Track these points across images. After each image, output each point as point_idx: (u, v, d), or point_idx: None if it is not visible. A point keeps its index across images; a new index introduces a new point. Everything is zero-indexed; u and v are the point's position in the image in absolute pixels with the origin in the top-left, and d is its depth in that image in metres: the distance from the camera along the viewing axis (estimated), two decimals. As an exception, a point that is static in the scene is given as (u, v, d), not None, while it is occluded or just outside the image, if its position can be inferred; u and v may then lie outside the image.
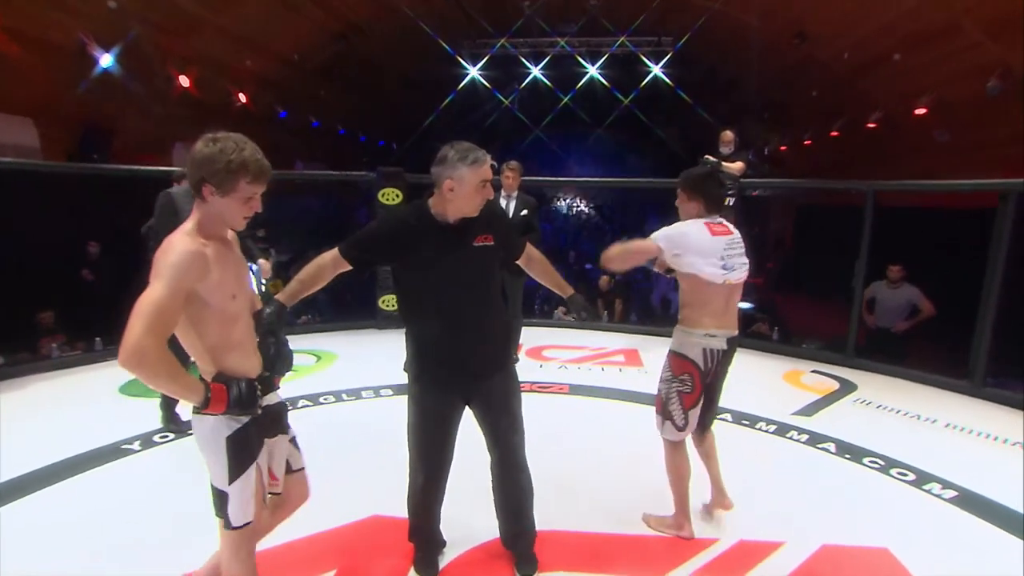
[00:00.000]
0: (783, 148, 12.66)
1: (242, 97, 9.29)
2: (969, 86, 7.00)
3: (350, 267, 1.89)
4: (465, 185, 1.77)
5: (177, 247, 1.40)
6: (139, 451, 3.01)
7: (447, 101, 13.77)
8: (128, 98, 7.39)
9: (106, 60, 6.69)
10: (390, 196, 5.73)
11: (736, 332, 2.29)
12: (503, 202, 4.33)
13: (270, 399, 1.61)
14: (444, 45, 12.02)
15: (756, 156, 5.93)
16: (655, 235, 2.23)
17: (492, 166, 1.85)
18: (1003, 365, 4.48)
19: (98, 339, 4.89)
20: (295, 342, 5.41)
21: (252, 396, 1.47)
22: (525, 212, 4.34)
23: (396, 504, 2.53)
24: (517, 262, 2.06)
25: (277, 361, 1.68)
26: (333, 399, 3.83)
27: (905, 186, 5.00)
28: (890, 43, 7.75)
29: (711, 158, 5.27)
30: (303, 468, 1.79)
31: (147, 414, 3.37)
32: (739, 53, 10.99)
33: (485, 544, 2.28)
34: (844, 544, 2.32)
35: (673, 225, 2.25)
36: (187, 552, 2.10)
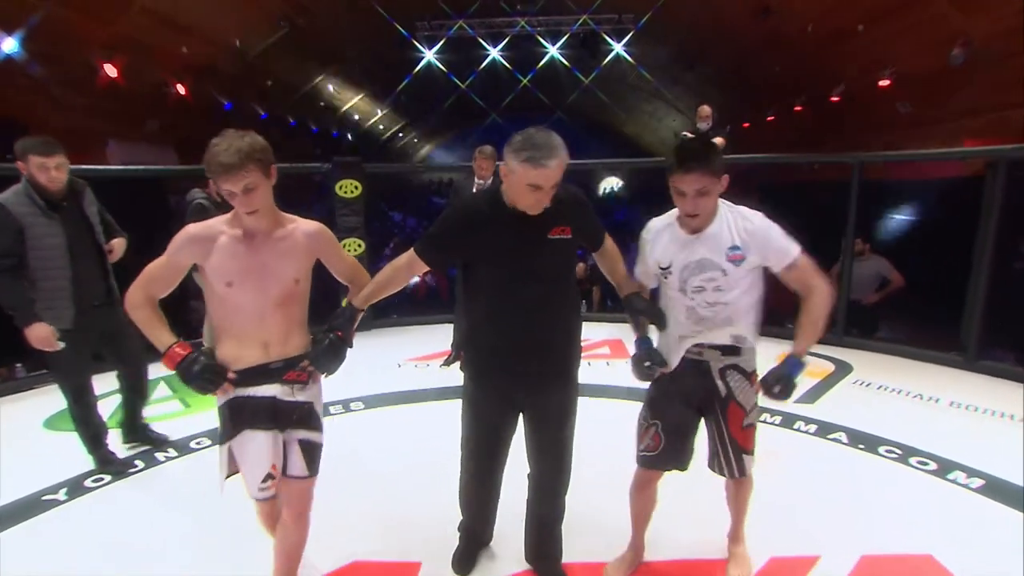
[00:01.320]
0: (745, 125, 12.65)
1: (180, 88, 8.54)
2: (931, 57, 6.99)
3: (427, 268, 1.80)
4: (515, 178, 1.59)
5: (186, 229, 1.62)
6: (65, 501, 2.55)
7: (402, 86, 13.21)
8: (39, 88, 6.62)
9: (9, 45, 5.93)
10: (348, 188, 5.28)
11: None
12: (479, 188, 4.01)
13: (268, 390, 1.63)
14: (399, 28, 11.45)
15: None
16: (794, 245, 1.72)
17: (548, 173, 1.56)
18: (989, 334, 4.44)
19: (19, 365, 4.29)
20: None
21: (199, 376, 1.56)
22: None
23: (377, 545, 2.20)
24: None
25: (321, 357, 1.66)
26: (298, 418, 3.41)
27: (891, 156, 4.88)
28: (854, 15, 7.68)
29: (689, 134, 5.04)
30: (301, 476, 1.71)
31: (76, 453, 2.89)
32: (702, 30, 10.83)
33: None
34: (884, 553, 2.10)
35: (772, 223, 1.72)
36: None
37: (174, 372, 1.57)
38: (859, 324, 4.96)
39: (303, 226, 1.69)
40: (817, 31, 8.57)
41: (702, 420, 1.87)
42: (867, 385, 3.84)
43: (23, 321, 2.50)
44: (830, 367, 4.18)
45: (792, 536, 2.20)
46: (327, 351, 1.65)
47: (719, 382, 1.77)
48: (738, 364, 1.78)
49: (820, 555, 2.08)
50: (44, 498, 2.55)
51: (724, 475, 1.88)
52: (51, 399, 3.68)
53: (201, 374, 1.56)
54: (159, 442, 3.09)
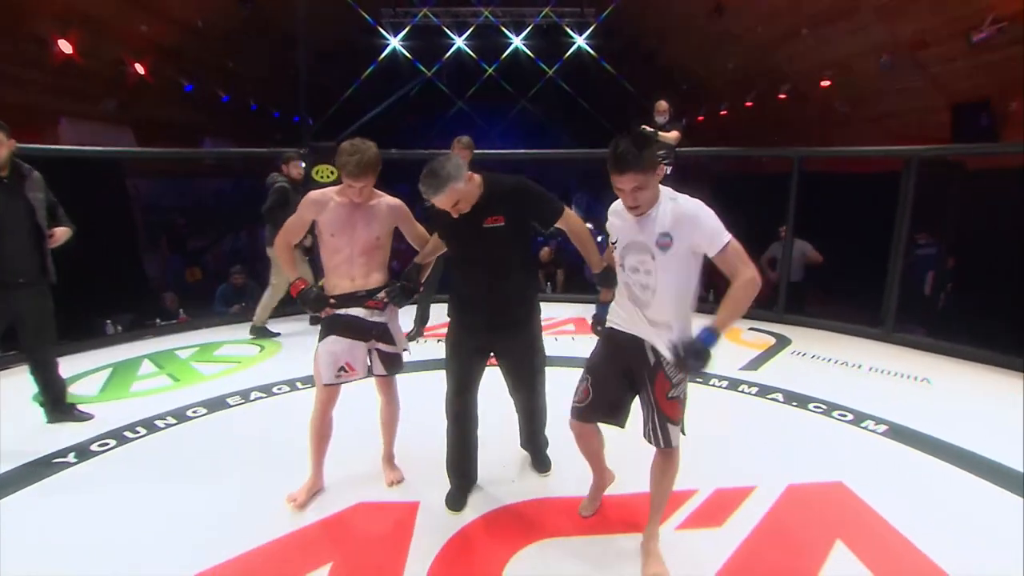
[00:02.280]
0: (700, 119, 13.24)
1: (139, 68, 8.34)
2: (866, 62, 7.63)
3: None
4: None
5: (309, 194, 2.32)
6: (75, 463, 2.71)
7: (367, 73, 13.13)
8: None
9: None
10: (324, 173, 5.43)
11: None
12: None
13: (357, 312, 2.30)
14: (363, 14, 11.40)
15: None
16: (724, 232, 1.79)
17: (441, 199, 2.02)
18: (905, 312, 5.06)
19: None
20: (233, 332, 5.06)
21: (314, 301, 2.28)
22: None
23: (378, 490, 2.49)
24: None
25: (398, 296, 2.32)
26: (288, 388, 3.63)
27: (826, 152, 5.40)
28: (799, 19, 8.24)
29: (647, 128, 5.41)
30: (384, 375, 2.43)
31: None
32: (660, 25, 11.29)
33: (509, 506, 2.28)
34: (806, 482, 2.54)
35: (706, 210, 1.81)
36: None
37: (295, 297, 2.28)
38: (791, 299, 5.48)
39: (388, 200, 2.33)
40: (766, 32, 9.14)
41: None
42: (803, 355, 4.36)
43: None
44: (772, 340, 4.68)
45: (734, 472, 2.62)
46: (400, 292, 2.32)
47: (650, 354, 1.91)
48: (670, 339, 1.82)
49: (756, 485, 2.50)
50: (54, 461, 2.71)
51: (652, 444, 1.98)
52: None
53: (314, 299, 2.26)
54: (84, 419, 3.11)
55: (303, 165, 5.00)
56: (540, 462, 2.64)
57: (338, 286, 2.30)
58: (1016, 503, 2.41)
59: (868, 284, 5.13)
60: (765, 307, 5.45)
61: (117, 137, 8.65)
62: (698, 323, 1.80)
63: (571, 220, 2.21)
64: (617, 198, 1.87)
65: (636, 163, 1.71)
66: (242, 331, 4.89)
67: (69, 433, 2.97)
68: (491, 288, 2.19)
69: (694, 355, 1.66)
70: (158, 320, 5.27)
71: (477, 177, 2.10)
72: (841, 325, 4.98)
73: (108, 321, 4.93)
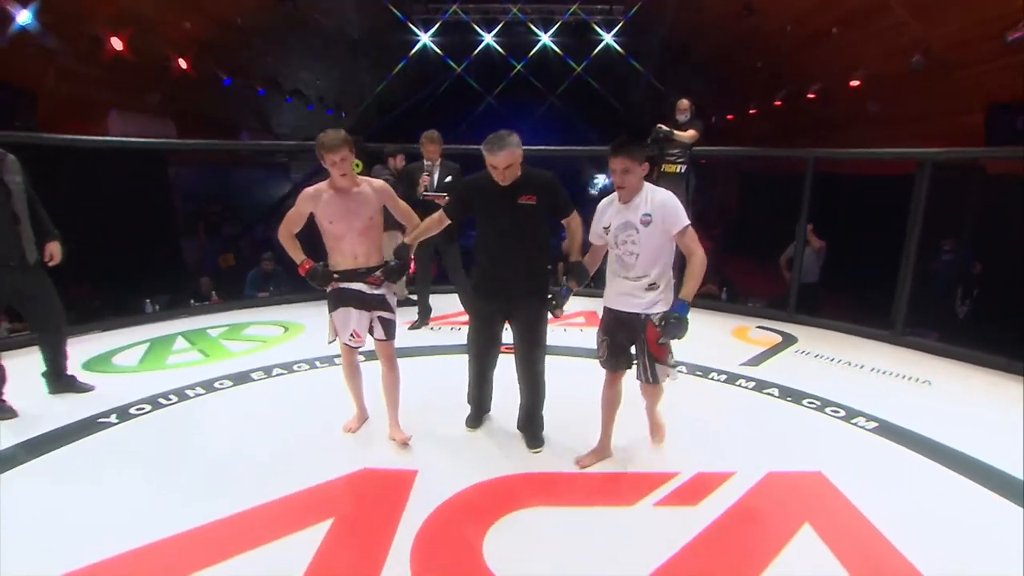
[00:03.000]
0: (730, 117, 13.12)
1: (182, 62, 8.80)
2: (897, 61, 7.50)
3: (450, 221, 2.72)
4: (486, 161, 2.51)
5: (304, 191, 2.61)
6: (116, 423, 3.02)
7: (399, 67, 13.42)
8: (49, 59, 6.88)
9: (24, 17, 6.21)
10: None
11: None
12: (428, 168, 4.56)
13: (357, 286, 2.66)
14: (394, 11, 11.69)
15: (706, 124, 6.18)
16: (685, 218, 2.37)
17: (497, 160, 2.45)
18: (919, 315, 5.03)
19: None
20: (260, 314, 5.38)
21: (319, 277, 2.64)
22: (450, 178, 4.55)
23: (383, 456, 2.71)
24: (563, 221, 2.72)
25: (392, 273, 2.68)
26: (307, 366, 3.89)
27: (840, 154, 5.39)
28: (828, 19, 8.14)
29: (663, 127, 5.50)
30: (384, 339, 2.77)
31: (120, 386, 3.37)
32: (689, 24, 11.23)
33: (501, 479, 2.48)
34: (785, 471, 2.65)
35: (675, 200, 2.38)
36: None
37: (304, 276, 2.66)
38: (807, 301, 5.50)
39: (373, 183, 2.66)
40: (795, 31, 9.04)
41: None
42: (806, 354, 4.41)
43: None
44: (778, 338, 4.74)
45: (716, 457, 2.76)
46: (392, 270, 2.68)
47: (642, 315, 2.44)
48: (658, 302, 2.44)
49: (736, 471, 2.62)
50: (99, 420, 3.02)
51: (642, 380, 2.55)
52: (89, 346, 4.13)
53: (321, 276, 2.62)
54: (84, 390, 3.34)
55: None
56: (533, 439, 2.85)
57: (341, 263, 2.66)
58: (994, 500, 2.47)
59: (886, 285, 5.12)
60: (777, 306, 5.50)
61: (161, 129, 9.15)
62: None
63: (575, 219, 2.72)
64: (604, 196, 2.55)
65: (626, 151, 2.35)
66: (271, 314, 5.20)
67: (111, 398, 3.28)
68: (516, 257, 2.61)
69: (674, 322, 2.30)
70: (192, 301, 5.63)
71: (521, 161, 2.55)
72: (851, 326, 4.99)
73: (148, 300, 5.30)
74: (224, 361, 4.01)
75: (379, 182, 2.69)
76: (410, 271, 4.69)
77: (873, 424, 3.15)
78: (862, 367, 4.13)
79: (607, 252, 2.57)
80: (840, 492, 2.48)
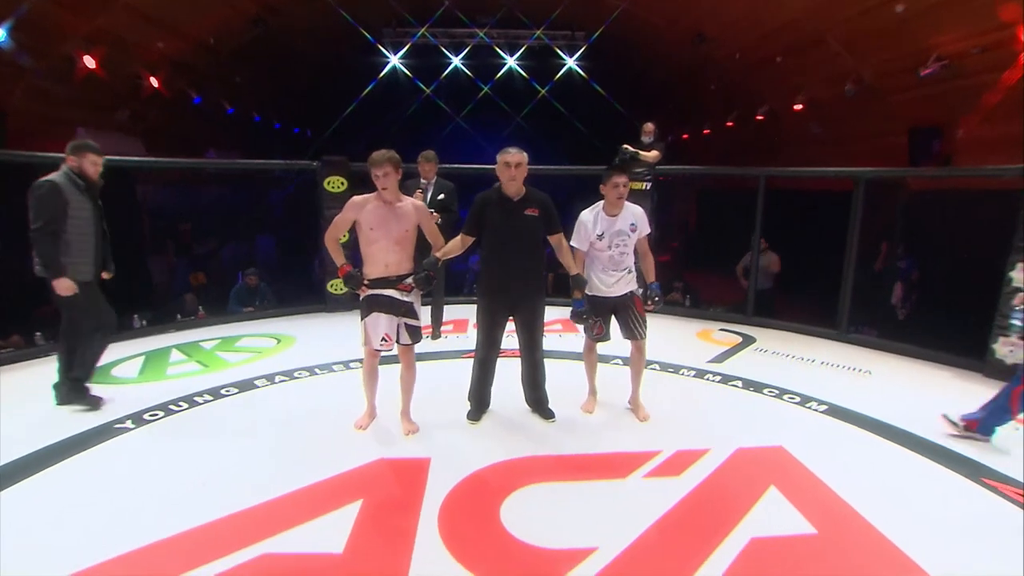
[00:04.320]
0: (685, 136, 13.92)
1: (153, 81, 8.83)
2: (834, 88, 8.30)
3: (472, 239, 3.11)
4: (499, 166, 3.02)
5: (352, 199, 2.94)
6: (132, 428, 3.16)
7: (368, 89, 13.67)
8: (19, 77, 6.87)
9: (-2, 35, 6.23)
10: (335, 184, 5.93)
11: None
12: (423, 187, 4.77)
13: (389, 292, 2.94)
14: (364, 33, 11.98)
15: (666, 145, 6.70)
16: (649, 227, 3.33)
17: (511, 158, 2.99)
18: (864, 315, 5.62)
19: (38, 333, 4.72)
20: (249, 327, 5.53)
21: (353, 282, 2.92)
22: (442, 196, 4.77)
23: (397, 448, 2.97)
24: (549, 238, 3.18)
25: (421, 281, 2.95)
26: (307, 373, 4.09)
27: (788, 172, 5.99)
28: (774, 48, 8.93)
29: (629, 148, 5.98)
30: (408, 344, 3.05)
31: (130, 395, 3.50)
32: (646, 50, 11.98)
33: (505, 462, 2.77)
34: (752, 446, 3.04)
35: (643, 211, 3.26)
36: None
37: (340, 279, 2.97)
38: (761, 304, 6.03)
39: (413, 201, 3.00)
40: (744, 58, 9.82)
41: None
42: (764, 351, 4.89)
43: (53, 275, 3.22)
44: (738, 339, 5.22)
45: (693, 438, 3.13)
46: (423, 279, 2.95)
47: (629, 292, 3.29)
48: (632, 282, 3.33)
49: (710, 448, 3.00)
50: (115, 426, 3.15)
51: (632, 338, 3.32)
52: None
53: (355, 279, 2.91)
54: (94, 402, 3.42)
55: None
56: (544, 412, 3.35)
57: (373, 272, 2.95)
58: (920, 460, 2.93)
59: (831, 290, 5.69)
60: (737, 310, 6.01)
61: (128, 147, 9.09)
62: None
63: (563, 236, 3.19)
64: (586, 208, 3.26)
65: (628, 171, 3.28)
66: (263, 327, 5.35)
67: (121, 406, 3.41)
68: (520, 261, 3.07)
69: (656, 293, 3.24)
70: (179, 316, 5.69)
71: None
72: (802, 327, 5.53)
73: (136, 315, 5.35)
74: (223, 371, 4.16)
75: (418, 201, 3.03)
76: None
77: (824, 407, 3.60)
78: (813, 361, 4.63)
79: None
80: (799, 461, 2.89)
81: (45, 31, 6.83)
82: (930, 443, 3.12)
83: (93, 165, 3.41)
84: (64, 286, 3.22)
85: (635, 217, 3.23)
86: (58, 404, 3.41)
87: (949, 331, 4.89)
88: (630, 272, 3.29)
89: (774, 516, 2.42)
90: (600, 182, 3.22)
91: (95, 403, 3.39)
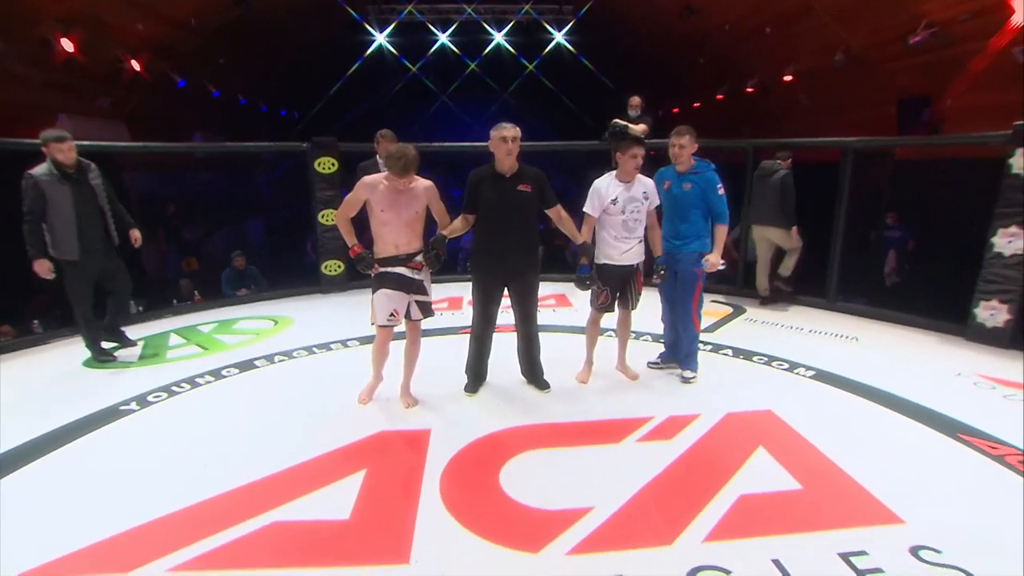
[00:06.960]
0: (675, 110, 13.87)
1: (135, 64, 8.67)
2: (823, 58, 8.29)
3: (473, 215, 3.17)
4: (493, 142, 3.08)
5: (363, 179, 3.00)
6: (137, 410, 3.22)
7: (354, 68, 13.48)
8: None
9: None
10: (326, 165, 5.90)
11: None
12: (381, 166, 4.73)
13: (400, 270, 3.02)
14: (349, 10, 11.77)
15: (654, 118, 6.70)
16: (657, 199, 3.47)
17: (507, 132, 3.05)
18: (853, 284, 5.72)
19: (36, 322, 4.74)
20: (245, 310, 5.56)
21: (364, 263, 3.00)
22: None
23: (397, 421, 3.05)
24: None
25: (430, 259, 3.03)
26: (305, 352, 4.15)
27: (776, 143, 6.00)
28: (762, 19, 8.88)
29: (619, 121, 5.98)
30: (416, 319, 3.16)
31: (133, 378, 3.55)
32: (635, 22, 11.86)
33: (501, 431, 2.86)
34: (742, 411, 3.15)
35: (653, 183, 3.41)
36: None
37: (352, 259, 3.03)
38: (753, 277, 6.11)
39: (423, 183, 3.03)
40: (733, 30, 9.76)
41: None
42: (754, 321, 4.99)
43: (32, 256, 3.65)
44: (729, 310, 5.32)
45: (685, 403, 3.24)
46: (432, 257, 3.02)
47: (635, 264, 3.42)
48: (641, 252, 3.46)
49: (700, 413, 3.11)
50: (121, 408, 3.21)
51: (628, 308, 3.52)
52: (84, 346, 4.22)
53: (366, 260, 2.98)
54: (131, 344, 4.25)
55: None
56: (539, 382, 3.44)
57: (382, 251, 3.03)
58: (904, 421, 3.05)
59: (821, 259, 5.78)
60: (727, 282, 6.09)
61: (112, 132, 8.96)
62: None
63: (561, 208, 3.27)
64: (599, 176, 3.40)
65: (643, 143, 3.41)
66: (259, 309, 5.39)
67: (126, 388, 3.47)
68: (514, 236, 3.13)
69: (663, 267, 3.47)
70: (174, 301, 5.71)
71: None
72: (792, 296, 5.62)
73: (132, 301, 5.36)
74: (223, 353, 4.21)
75: (428, 182, 3.06)
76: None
77: (812, 372, 3.72)
78: (802, 329, 4.74)
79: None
80: (786, 423, 3.00)
81: (14, 12, 6.64)
82: (911, 403, 3.24)
83: (61, 152, 3.66)
84: (42, 267, 3.68)
85: (647, 187, 3.37)
86: (94, 359, 3.93)
87: (937, 298, 5.01)
88: (640, 242, 3.40)
89: (762, 474, 2.53)
90: (614, 150, 3.49)
91: (122, 341, 4.16)
